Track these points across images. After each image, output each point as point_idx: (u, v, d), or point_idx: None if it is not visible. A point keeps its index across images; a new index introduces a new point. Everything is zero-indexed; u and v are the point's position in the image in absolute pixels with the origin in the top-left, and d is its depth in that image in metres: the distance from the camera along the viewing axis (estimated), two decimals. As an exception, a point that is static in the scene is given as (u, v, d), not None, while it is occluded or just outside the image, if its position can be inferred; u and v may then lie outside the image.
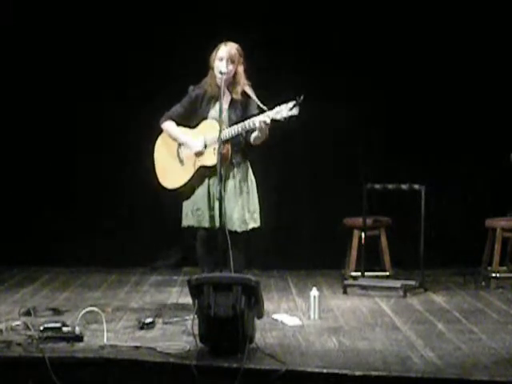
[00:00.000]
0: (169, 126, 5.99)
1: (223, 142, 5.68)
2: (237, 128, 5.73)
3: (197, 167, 5.88)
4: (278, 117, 5.57)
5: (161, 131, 6.05)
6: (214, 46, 5.86)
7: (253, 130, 5.74)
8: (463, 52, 7.95)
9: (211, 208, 5.80)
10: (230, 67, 5.79)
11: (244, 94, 5.89)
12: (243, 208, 5.86)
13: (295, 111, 5.53)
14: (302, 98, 5.47)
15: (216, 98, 5.82)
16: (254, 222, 5.91)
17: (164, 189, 6.02)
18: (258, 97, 5.83)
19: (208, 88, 5.89)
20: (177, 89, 6.10)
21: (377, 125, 7.93)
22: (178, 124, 5.98)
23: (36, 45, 8.11)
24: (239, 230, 5.81)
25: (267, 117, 5.60)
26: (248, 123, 5.69)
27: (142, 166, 6.79)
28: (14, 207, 8.16)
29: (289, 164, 8.06)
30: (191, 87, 6.00)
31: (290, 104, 5.54)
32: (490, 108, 7.95)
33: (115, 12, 8.03)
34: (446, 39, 7.94)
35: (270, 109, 5.64)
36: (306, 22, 8.00)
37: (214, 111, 5.85)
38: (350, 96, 7.84)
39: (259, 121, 5.61)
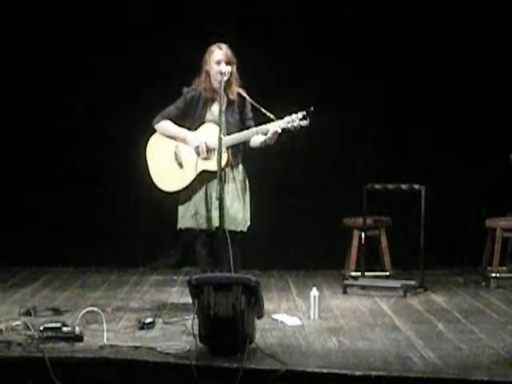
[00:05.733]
0: (166, 124, 5.95)
1: (226, 148, 5.71)
2: (246, 133, 5.76)
3: (198, 171, 5.86)
4: (290, 127, 5.61)
5: (152, 132, 6.03)
6: (205, 49, 5.87)
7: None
8: (463, 53, 7.95)
9: (208, 210, 5.81)
10: (229, 68, 5.80)
11: (239, 94, 5.90)
12: (244, 208, 5.89)
13: (306, 122, 5.58)
14: (312, 108, 5.52)
15: (212, 100, 5.84)
16: (248, 220, 5.96)
17: (160, 191, 6.01)
18: (261, 104, 5.85)
19: (203, 92, 5.88)
20: (170, 89, 6.11)
21: (377, 125, 7.94)
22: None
23: (34, 47, 8.13)
24: (244, 229, 5.87)
25: (278, 127, 5.63)
26: (259, 129, 5.71)
27: (141, 166, 6.78)
28: (14, 207, 8.16)
29: (289, 164, 8.05)
30: (185, 89, 5.97)
31: (300, 114, 5.59)
32: (490, 108, 7.95)
33: (113, 10, 8.03)
34: (445, 39, 7.95)
35: (279, 118, 5.67)
36: (306, 24, 8.02)
37: (210, 114, 5.86)
38: (350, 96, 7.85)
39: (272, 130, 5.63)
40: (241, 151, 5.92)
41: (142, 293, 6.98)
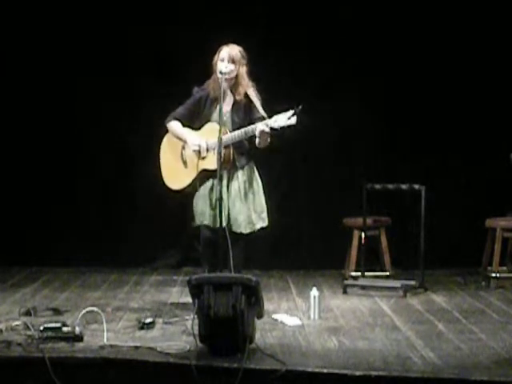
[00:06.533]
0: (174, 125, 6.01)
1: (224, 147, 5.71)
2: (237, 134, 5.77)
3: (199, 170, 5.90)
4: (276, 125, 5.60)
5: (166, 131, 6.07)
6: (217, 49, 5.88)
7: (255, 136, 5.76)
8: (463, 53, 7.95)
9: (213, 208, 5.82)
10: (231, 67, 5.80)
11: (247, 96, 5.90)
12: (249, 209, 5.89)
13: (293, 120, 5.55)
14: (300, 107, 5.50)
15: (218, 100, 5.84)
16: (262, 222, 5.96)
17: (169, 189, 6.04)
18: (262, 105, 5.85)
19: (211, 91, 5.91)
20: (182, 89, 6.13)
21: (377, 125, 7.93)
22: (183, 125, 6.00)
23: (37, 46, 8.12)
24: (245, 231, 5.86)
25: (265, 125, 5.63)
26: (248, 130, 5.73)
27: (143, 167, 6.81)
28: (14, 207, 8.16)
29: (289, 164, 8.05)
30: (195, 88, 6.03)
31: (289, 113, 5.57)
32: (490, 108, 7.95)
33: (119, 10, 8.03)
34: (446, 39, 7.95)
35: (270, 117, 5.67)
36: (306, 24, 8.02)
37: (216, 114, 5.87)
38: (349, 96, 7.85)
39: (258, 130, 5.64)
40: (247, 151, 5.93)
41: (142, 293, 6.98)
